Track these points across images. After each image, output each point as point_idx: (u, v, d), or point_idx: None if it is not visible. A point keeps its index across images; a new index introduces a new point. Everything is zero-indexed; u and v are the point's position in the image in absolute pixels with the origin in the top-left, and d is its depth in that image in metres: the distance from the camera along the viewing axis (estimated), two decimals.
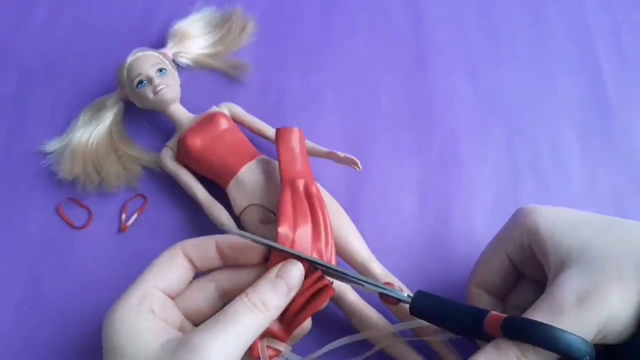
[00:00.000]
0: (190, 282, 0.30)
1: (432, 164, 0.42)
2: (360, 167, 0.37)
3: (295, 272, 0.28)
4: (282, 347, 0.30)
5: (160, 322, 0.27)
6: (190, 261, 0.29)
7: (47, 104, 0.45)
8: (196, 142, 0.38)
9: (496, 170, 0.42)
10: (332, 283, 0.30)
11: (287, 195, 0.34)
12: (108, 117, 0.42)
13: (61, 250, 0.39)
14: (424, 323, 0.31)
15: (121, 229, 0.39)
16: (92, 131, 0.41)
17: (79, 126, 0.42)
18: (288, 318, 0.29)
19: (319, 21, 0.49)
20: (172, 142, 0.40)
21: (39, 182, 0.41)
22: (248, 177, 0.37)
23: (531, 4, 0.50)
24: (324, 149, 0.39)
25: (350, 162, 0.37)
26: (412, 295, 0.29)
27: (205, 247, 0.30)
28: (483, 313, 0.27)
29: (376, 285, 0.29)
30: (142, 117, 0.43)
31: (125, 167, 0.41)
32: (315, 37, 0.48)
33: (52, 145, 0.42)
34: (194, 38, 0.46)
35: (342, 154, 0.38)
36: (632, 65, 0.46)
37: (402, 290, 0.30)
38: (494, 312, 0.27)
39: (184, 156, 0.39)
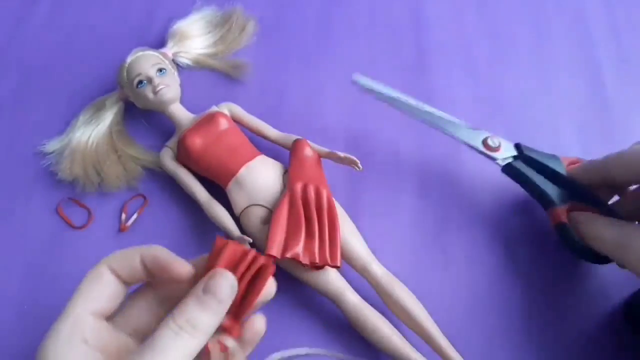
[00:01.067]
0: (126, 296, 0.27)
1: (432, 163, 0.42)
2: (361, 167, 0.37)
3: (224, 283, 0.25)
4: (230, 342, 0.27)
5: (93, 352, 0.25)
6: (118, 276, 0.27)
7: (47, 104, 0.45)
8: (196, 142, 0.38)
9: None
10: (274, 260, 0.29)
11: (283, 209, 0.35)
12: (108, 117, 0.42)
13: (61, 250, 0.39)
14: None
15: (121, 229, 0.39)
16: (92, 131, 0.41)
17: (78, 126, 0.42)
18: (234, 309, 0.27)
19: (319, 21, 0.49)
20: (172, 142, 0.40)
21: (39, 182, 0.41)
22: (248, 177, 0.37)
23: (531, 5, 0.50)
24: (324, 149, 0.39)
25: (350, 162, 0.37)
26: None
27: (130, 260, 0.27)
28: (552, 203, 0.35)
29: None
30: (142, 117, 0.43)
31: (125, 167, 0.41)
32: (315, 37, 0.48)
33: (52, 145, 0.42)
34: (194, 38, 0.46)
35: (342, 154, 0.38)
36: (632, 65, 0.46)
37: None
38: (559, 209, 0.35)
39: (183, 156, 0.39)
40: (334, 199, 0.37)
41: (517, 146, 0.38)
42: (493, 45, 0.47)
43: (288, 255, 0.33)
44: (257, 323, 0.28)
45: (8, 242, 0.39)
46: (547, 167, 0.37)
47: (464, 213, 0.40)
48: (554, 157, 0.37)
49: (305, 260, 0.34)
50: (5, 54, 0.47)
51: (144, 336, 0.26)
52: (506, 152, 0.38)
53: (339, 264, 0.34)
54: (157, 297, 0.27)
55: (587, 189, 0.36)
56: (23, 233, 0.39)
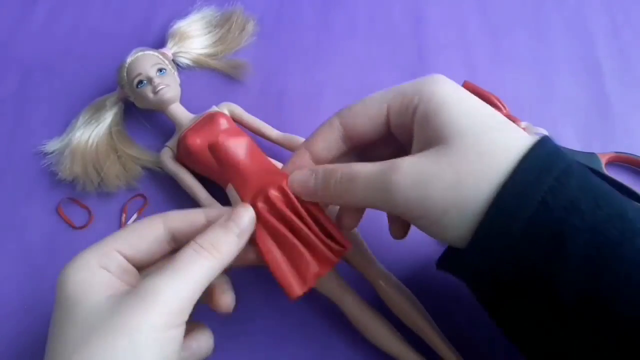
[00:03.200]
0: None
1: None
2: None
3: (246, 215, 0.27)
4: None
5: (114, 279, 0.25)
6: (172, 235, 0.27)
7: (47, 104, 0.45)
8: (196, 141, 0.38)
9: None
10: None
11: (266, 244, 0.29)
12: (108, 117, 0.42)
13: (61, 250, 0.39)
14: None
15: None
16: (92, 131, 0.41)
17: (78, 126, 0.42)
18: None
19: (319, 21, 0.49)
20: (172, 142, 0.40)
21: (39, 182, 0.41)
22: None
23: (531, 4, 0.50)
24: None
25: None
26: None
27: (192, 220, 0.28)
28: None
29: None
30: (142, 117, 0.43)
31: (125, 167, 0.41)
32: (315, 37, 0.48)
33: (52, 145, 0.42)
34: (194, 38, 0.46)
35: None
36: (632, 65, 0.46)
37: None
38: None
39: (183, 156, 0.39)
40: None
41: None
42: (493, 45, 0.47)
43: (313, 283, 0.29)
44: (204, 338, 0.29)
45: (8, 241, 0.39)
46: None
47: None
48: (592, 154, 0.37)
49: (327, 270, 0.30)
50: (5, 54, 0.47)
51: (141, 265, 0.27)
52: None
53: (350, 246, 0.30)
54: (166, 229, 0.28)
55: (626, 186, 0.36)
56: (23, 233, 0.39)
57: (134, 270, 0.27)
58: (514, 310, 0.26)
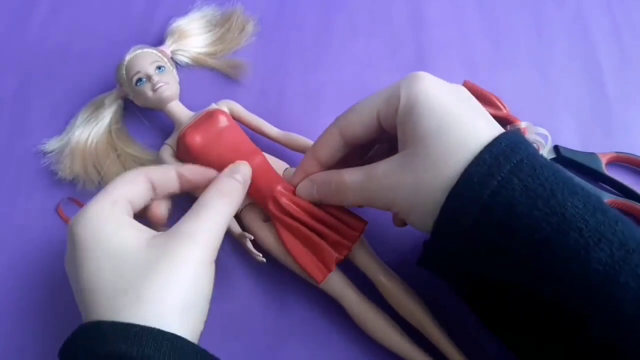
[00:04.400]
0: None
1: None
2: None
3: (245, 167, 0.33)
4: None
5: (137, 223, 0.28)
6: (153, 185, 0.31)
7: (46, 102, 0.45)
8: (196, 139, 0.38)
9: None
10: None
11: (286, 236, 0.35)
12: (107, 116, 0.42)
13: (61, 249, 0.38)
14: None
15: None
16: (92, 130, 0.41)
17: (78, 125, 0.42)
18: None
19: (319, 21, 0.49)
20: (172, 139, 0.40)
21: (39, 181, 0.41)
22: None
23: (531, 5, 0.50)
24: None
25: None
26: None
27: (167, 174, 0.31)
28: None
29: None
30: (141, 115, 0.43)
31: (124, 166, 0.41)
32: (315, 37, 0.48)
33: (52, 144, 0.42)
34: (193, 36, 0.45)
35: None
36: (632, 65, 0.46)
37: None
38: None
39: (183, 154, 0.39)
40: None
41: (556, 148, 0.39)
42: (493, 45, 0.47)
43: (333, 268, 0.34)
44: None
45: (8, 241, 0.39)
46: (585, 166, 0.37)
47: None
48: (592, 154, 0.38)
49: (344, 253, 0.34)
50: (5, 54, 0.47)
51: None
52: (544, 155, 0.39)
53: (363, 223, 0.35)
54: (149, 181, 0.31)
55: (626, 186, 0.36)
56: (23, 232, 0.39)
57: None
58: (483, 304, 0.30)
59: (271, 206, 0.35)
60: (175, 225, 0.28)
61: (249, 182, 0.33)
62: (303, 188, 0.34)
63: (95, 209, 0.27)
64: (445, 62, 0.47)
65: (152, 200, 0.31)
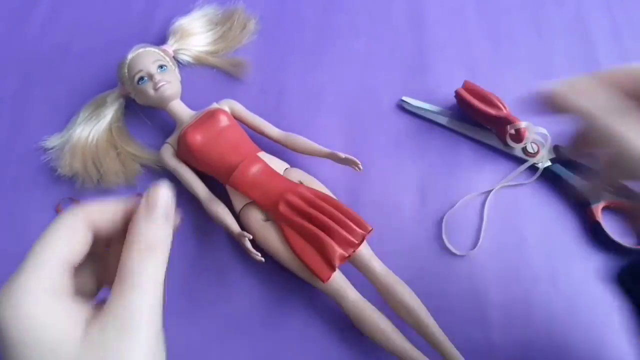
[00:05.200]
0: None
1: (432, 164, 0.42)
2: (361, 167, 0.37)
3: (160, 195, 0.25)
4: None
5: (70, 303, 0.22)
6: (95, 231, 0.25)
7: (47, 100, 0.45)
8: (196, 138, 0.38)
9: None
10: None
11: (291, 236, 0.35)
12: (108, 114, 0.42)
13: None
14: None
15: None
16: (92, 127, 0.41)
17: (79, 122, 0.42)
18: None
19: (319, 21, 0.49)
20: (173, 138, 0.40)
21: (39, 178, 0.41)
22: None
23: (531, 5, 0.50)
24: (325, 150, 0.39)
25: (351, 163, 0.37)
26: None
27: (111, 213, 0.25)
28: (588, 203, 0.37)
29: None
30: (142, 114, 0.43)
31: (123, 164, 0.41)
32: (315, 37, 0.48)
33: (53, 141, 0.42)
34: (195, 35, 0.46)
35: (343, 155, 0.38)
36: None
37: None
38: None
39: (184, 152, 0.39)
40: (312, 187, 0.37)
41: (556, 148, 0.40)
42: (493, 45, 0.47)
43: (338, 265, 0.34)
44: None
45: (8, 240, 0.39)
46: (585, 166, 0.38)
47: (465, 213, 0.40)
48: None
49: (350, 251, 0.34)
50: (5, 53, 0.47)
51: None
52: (544, 155, 0.41)
53: (370, 227, 0.35)
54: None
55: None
56: (23, 231, 0.39)
57: (68, 270, 0.24)
58: None
59: (282, 208, 0.35)
60: (107, 305, 0.22)
61: (172, 210, 0.25)
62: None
63: (22, 291, 0.22)
64: (445, 62, 0.47)
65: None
